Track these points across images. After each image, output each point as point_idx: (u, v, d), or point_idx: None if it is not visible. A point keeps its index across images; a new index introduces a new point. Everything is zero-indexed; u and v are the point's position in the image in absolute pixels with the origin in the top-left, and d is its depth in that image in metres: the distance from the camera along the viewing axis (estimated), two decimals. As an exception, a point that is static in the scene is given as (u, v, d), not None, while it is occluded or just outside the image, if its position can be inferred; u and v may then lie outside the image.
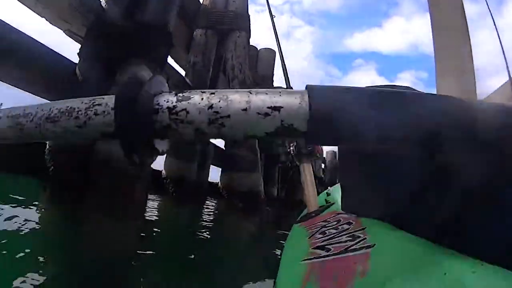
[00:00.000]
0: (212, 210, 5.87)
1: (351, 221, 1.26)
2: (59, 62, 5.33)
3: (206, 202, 7.25)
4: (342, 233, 1.20)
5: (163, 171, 7.21)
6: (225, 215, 6.02)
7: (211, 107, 0.70)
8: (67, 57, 5.32)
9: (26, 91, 5.54)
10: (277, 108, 0.68)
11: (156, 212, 4.61)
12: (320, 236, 1.32)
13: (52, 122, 0.78)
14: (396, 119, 0.68)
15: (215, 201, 8.15)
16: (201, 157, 7.67)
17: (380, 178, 1.10)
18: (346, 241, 1.06)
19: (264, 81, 12.20)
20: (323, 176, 21.73)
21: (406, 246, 0.82)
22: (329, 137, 0.71)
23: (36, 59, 4.85)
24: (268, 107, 0.69)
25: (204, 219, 4.53)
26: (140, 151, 0.76)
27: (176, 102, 0.72)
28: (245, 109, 0.69)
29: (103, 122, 0.75)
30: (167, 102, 0.73)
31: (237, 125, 0.70)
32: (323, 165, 22.60)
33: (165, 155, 7.47)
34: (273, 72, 12.96)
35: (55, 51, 5.30)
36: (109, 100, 0.77)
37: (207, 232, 3.62)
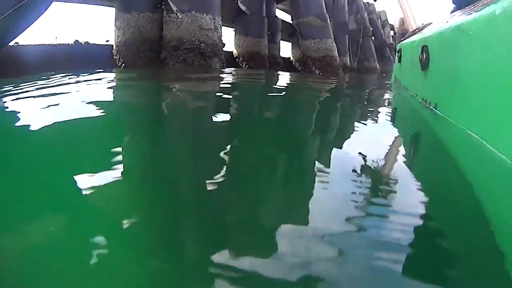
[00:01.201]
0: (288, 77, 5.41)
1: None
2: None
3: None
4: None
5: (234, 51, 6.77)
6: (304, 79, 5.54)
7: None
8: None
9: (91, 4, 5.27)
10: None
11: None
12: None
13: None
14: None
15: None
16: (269, 31, 7.06)
17: None
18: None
19: None
20: (392, 42, 20.07)
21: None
22: None
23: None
24: None
25: (282, 82, 4.14)
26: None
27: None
28: None
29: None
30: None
31: None
32: (392, 32, 20.75)
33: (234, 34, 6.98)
34: None
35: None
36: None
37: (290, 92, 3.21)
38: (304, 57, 7.27)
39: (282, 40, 7.85)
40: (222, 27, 5.18)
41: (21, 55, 3.90)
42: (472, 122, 1.21)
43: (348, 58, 11.27)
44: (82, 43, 5.51)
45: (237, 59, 6.61)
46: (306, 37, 7.33)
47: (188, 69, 4.44)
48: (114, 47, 4.95)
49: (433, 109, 1.60)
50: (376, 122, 1.64)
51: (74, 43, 5.49)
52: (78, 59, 4.59)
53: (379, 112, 1.89)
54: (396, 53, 2.99)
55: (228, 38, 6.97)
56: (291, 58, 8.04)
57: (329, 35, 7.49)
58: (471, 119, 1.20)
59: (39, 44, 4.61)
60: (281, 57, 7.65)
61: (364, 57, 13.14)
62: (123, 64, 4.79)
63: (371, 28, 14.51)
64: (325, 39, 7.32)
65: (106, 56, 4.90)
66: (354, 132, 1.44)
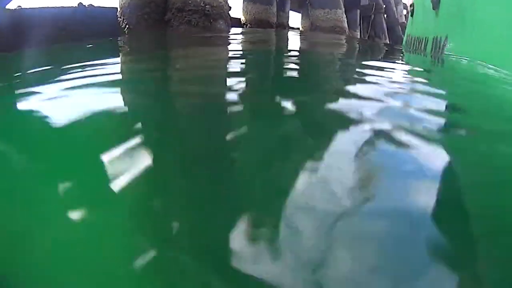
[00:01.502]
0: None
1: None
2: None
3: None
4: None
5: (242, 18, 6.59)
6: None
7: None
8: None
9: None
10: None
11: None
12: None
13: None
14: None
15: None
16: (279, -1, 6.86)
17: None
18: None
19: None
20: (405, 21, 19.57)
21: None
22: None
23: None
24: None
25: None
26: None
27: None
28: None
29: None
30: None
31: None
32: (404, 11, 20.23)
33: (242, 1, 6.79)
34: None
35: None
36: None
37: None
38: (313, 27, 7.05)
39: (292, 10, 7.64)
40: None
41: (20, 19, 3.80)
42: (480, 50, 1.26)
43: (359, 34, 10.97)
44: (86, 5, 5.41)
45: (244, 26, 6.45)
46: (315, 7, 7.09)
47: (193, 30, 4.32)
48: (119, 9, 4.83)
49: (443, 45, 1.58)
50: (394, 63, 1.66)
51: (78, 5, 5.39)
52: (81, 22, 4.52)
53: (392, 57, 1.87)
54: (409, 7, 2.89)
55: (237, 5, 6.79)
56: (301, 28, 7.85)
57: (339, 5, 7.24)
58: (479, 47, 1.25)
59: (39, 7, 4.52)
60: (290, 26, 7.47)
61: (375, 33, 12.79)
62: (127, 26, 4.67)
63: (384, 5, 14.09)
64: (334, 9, 7.07)
65: (110, 19, 4.80)
66: (370, 74, 1.46)
